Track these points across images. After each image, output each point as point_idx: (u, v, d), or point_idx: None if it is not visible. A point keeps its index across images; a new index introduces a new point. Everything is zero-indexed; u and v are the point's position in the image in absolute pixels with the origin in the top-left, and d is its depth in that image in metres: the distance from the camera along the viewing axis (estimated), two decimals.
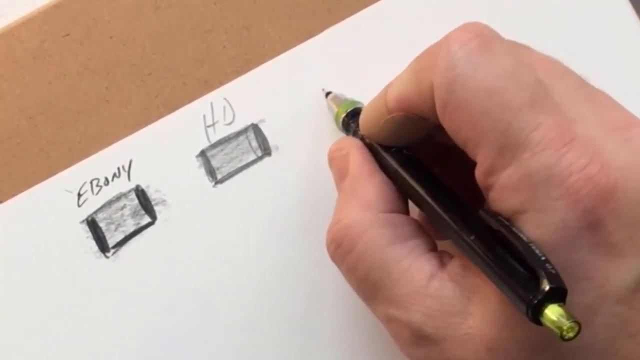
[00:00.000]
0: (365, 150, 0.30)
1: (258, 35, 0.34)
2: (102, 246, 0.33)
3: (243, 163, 0.34)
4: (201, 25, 0.34)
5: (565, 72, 0.26)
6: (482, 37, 0.25)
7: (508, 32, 0.35)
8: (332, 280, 0.33)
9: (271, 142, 0.34)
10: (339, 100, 0.33)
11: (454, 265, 0.26)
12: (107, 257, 0.33)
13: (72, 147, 0.34)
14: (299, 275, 0.33)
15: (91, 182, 0.34)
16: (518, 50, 0.26)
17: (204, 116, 0.34)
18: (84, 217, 0.34)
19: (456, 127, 0.25)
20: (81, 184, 0.34)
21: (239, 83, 0.34)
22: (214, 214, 0.34)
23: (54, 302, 0.33)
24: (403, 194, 0.29)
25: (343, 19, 0.35)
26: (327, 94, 0.34)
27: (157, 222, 0.34)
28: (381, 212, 0.28)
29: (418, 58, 0.27)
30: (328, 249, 0.28)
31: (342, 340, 0.33)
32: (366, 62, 0.34)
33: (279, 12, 0.34)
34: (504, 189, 0.24)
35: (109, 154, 0.34)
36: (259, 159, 0.34)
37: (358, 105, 0.32)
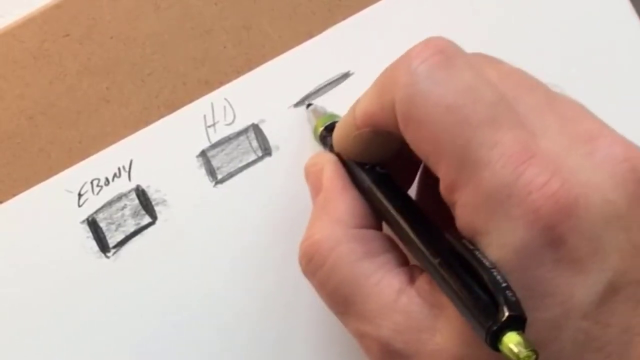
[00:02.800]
0: (339, 166, 0.30)
1: (258, 35, 0.34)
2: (103, 246, 0.33)
3: (243, 163, 0.34)
4: (201, 25, 0.34)
5: (533, 85, 0.26)
6: (443, 52, 0.25)
7: (508, 33, 0.35)
8: None
9: (271, 142, 0.34)
10: (318, 113, 0.33)
11: (423, 281, 0.26)
12: (107, 257, 0.33)
13: (72, 147, 0.34)
14: (299, 275, 0.33)
15: (91, 182, 0.34)
16: (482, 65, 0.26)
17: (205, 116, 0.34)
18: (85, 217, 0.34)
19: (418, 142, 0.25)
20: (81, 184, 0.34)
21: (239, 83, 0.34)
22: (214, 214, 0.34)
23: (54, 302, 0.33)
24: (375, 211, 0.29)
25: (343, 19, 0.35)
26: (308, 105, 0.34)
27: (157, 222, 0.34)
28: (352, 228, 0.28)
29: (382, 74, 0.27)
30: (300, 263, 0.28)
31: (345, 340, 0.33)
32: (366, 62, 0.34)
33: (279, 12, 0.34)
34: (464, 208, 0.24)
35: (109, 154, 0.34)
36: (260, 159, 0.34)
37: (336, 120, 0.32)
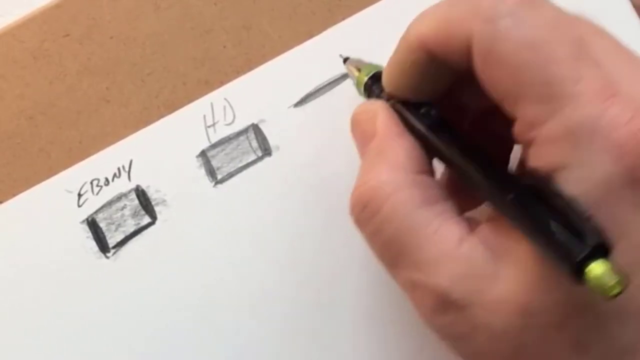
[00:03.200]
0: (393, 112, 0.29)
1: (258, 35, 0.34)
2: (103, 246, 0.33)
3: (243, 163, 0.34)
4: (201, 25, 0.34)
5: (603, 32, 0.26)
6: None
7: None
8: (333, 280, 0.33)
9: (271, 142, 0.34)
10: (359, 64, 0.32)
11: (484, 229, 0.25)
12: (107, 257, 0.33)
13: (72, 147, 0.34)
14: (299, 275, 0.33)
15: (91, 182, 0.34)
16: (559, 7, 0.25)
17: (204, 116, 0.34)
18: (84, 217, 0.34)
19: (496, 80, 0.24)
20: (81, 184, 0.34)
21: (239, 83, 0.34)
22: (214, 214, 0.34)
23: (54, 302, 0.33)
24: (431, 156, 0.28)
25: (343, 19, 0.35)
26: (345, 59, 0.33)
27: (157, 222, 0.34)
28: (411, 174, 0.27)
29: (453, 1, 0.26)
30: (352, 211, 0.27)
31: (344, 340, 0.33)
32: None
33: (279, 12, 0.34)
34: (545, 143, 0.23)
35: (109, 154, 0.34)
36: (259, 159, 0.34)
37: (380, 69, 0.31)
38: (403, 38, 0.28)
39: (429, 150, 0.28)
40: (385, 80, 0.29)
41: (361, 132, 0.29)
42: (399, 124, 0.28)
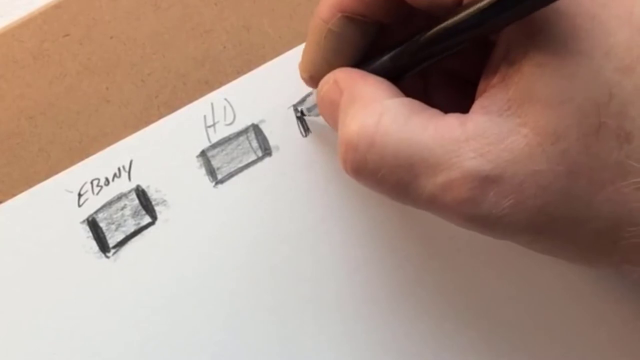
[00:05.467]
0: (348, 67, 0.29)
1: (258, 35, 0.34)
2: (103, 246, 0.33)
3: (243, 163, 0.34)
4: (201, 25, 0.34)
5: None
6: None
7: None
8: (333, 281, 0.33)
9: (272, 142, 0.34)
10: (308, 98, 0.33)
11: (476, 106, 0.25)
12: (107, 257, 0.33)
13: (72, 147, 0.34)
14: (299, 276, 0.33)
15: (92, 182, 0.34)
16: None
17: (205, 116, 0.34)
18: (85, 217, 0.34)
19: None
20: (82, 184, 0.34)
21: (239, 83, 0.34)
22: (214, 214, 0.34)
23: (54, 302, 0.33)
24: (398, 83, 0.28)
25: None
26: (300, 111, 0.34)
27: (157, 222, 0.34)
28: (387, 99, 0.27)
29: None
30: (344, 163, 0.27)
31: (342, 341, 0.33)
32: None
33: (279, 12, 0.34)
34: None
35: (109, 154, 0.34)
36: (260, 159, 0.34)
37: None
38: (316, 18, 0.29)
39: (395, 77, 0.28)
40: (304, 66, 0.30)
41: (330, 102, 0.29)
42: (358, 71, 0.29)
